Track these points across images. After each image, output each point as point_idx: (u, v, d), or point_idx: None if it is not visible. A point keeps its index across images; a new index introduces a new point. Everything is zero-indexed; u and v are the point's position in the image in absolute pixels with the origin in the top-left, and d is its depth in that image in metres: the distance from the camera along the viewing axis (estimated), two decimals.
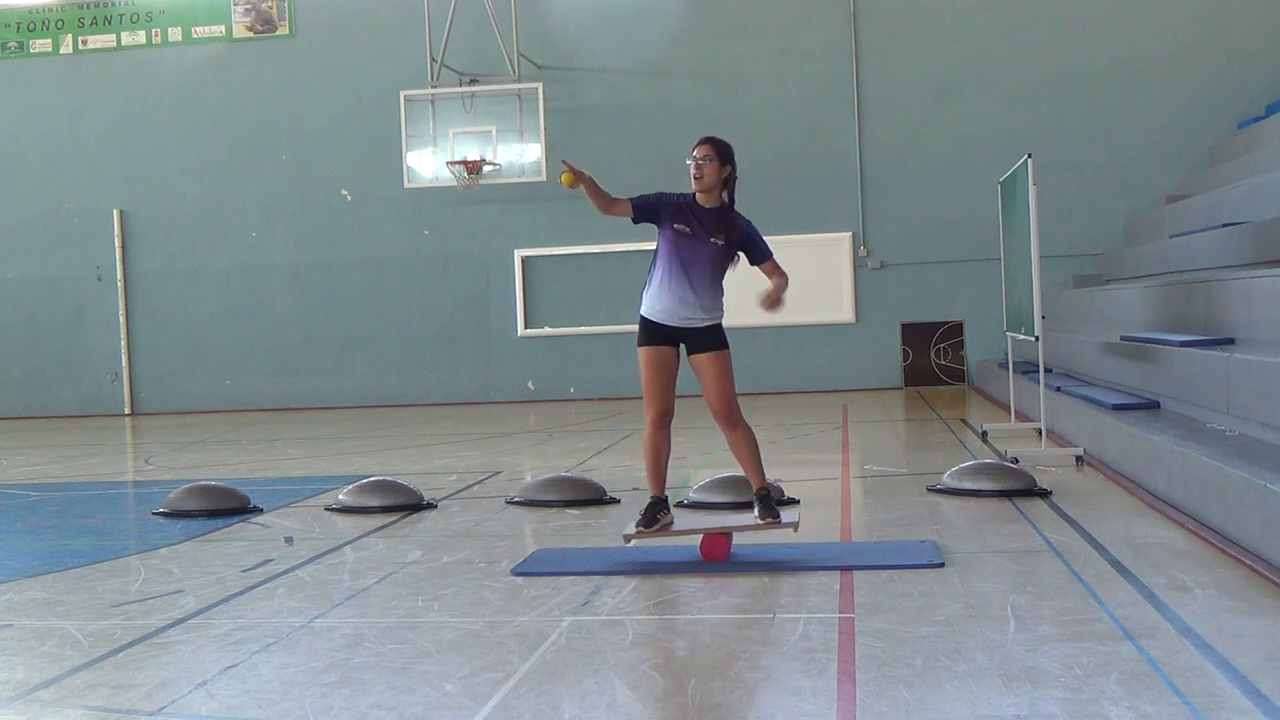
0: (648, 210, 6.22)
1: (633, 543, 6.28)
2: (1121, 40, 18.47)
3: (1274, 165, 12.74)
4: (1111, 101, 18.47)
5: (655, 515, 6.23)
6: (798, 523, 6.32)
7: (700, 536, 6.26)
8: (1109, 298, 13.33)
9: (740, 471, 8.32)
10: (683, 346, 6.29)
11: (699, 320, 6.18)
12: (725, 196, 6.23)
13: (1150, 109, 18.39)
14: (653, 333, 6.21)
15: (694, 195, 6.23)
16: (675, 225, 6.15)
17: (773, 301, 6.05)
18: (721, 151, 6.20)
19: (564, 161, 6.23)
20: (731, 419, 6.22)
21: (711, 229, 6.15)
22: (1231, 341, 8.40)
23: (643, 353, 6.22)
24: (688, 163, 6.22)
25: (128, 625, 5.34)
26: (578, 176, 6.06)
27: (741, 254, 6.29)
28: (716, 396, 6.21)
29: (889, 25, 19.03)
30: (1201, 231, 11.94)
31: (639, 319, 6.27)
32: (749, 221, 6.30)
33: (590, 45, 19.66)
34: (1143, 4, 18.47)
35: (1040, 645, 4.46)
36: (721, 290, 6.26)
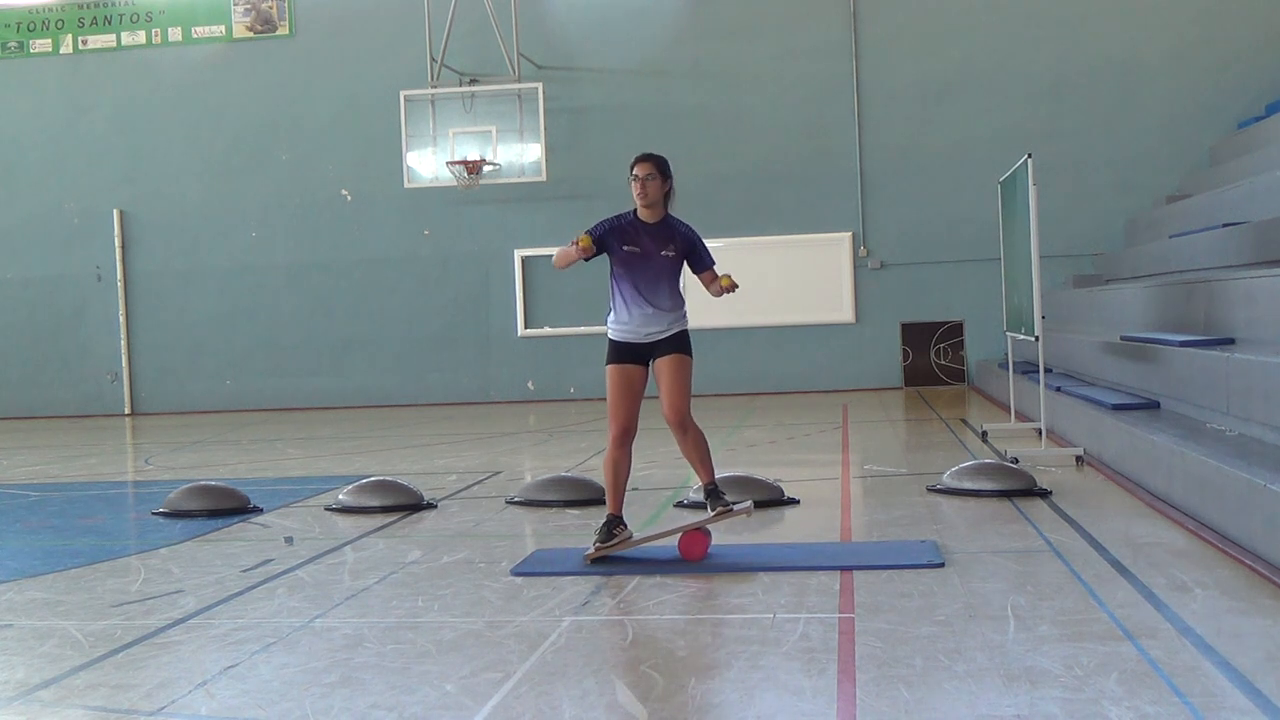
0: (599, 243, 6.33)
1: (590, 562, 6.24)
2: (1121, 40, 18.47)
3: (1274, 165, 12.74)
4: (1111, 101, 18.47)
5: (612, 532, 6.29)
6: (750, 506, 6.47)
7: (678, 538, 6.27)
8: (1109, 298, 13.33)
9: (737, 472, 8.36)
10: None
11: (664, 331, 6.32)
12: (665, 209, 6.37)
13: (1150, 109, 18.39)
14: (621, 352, 6.35)
15: (635, 213, 6.37)
16: (625, 248, 6.29)
17: (727, 286, 6.23)
18: (662, 168, 6.36)
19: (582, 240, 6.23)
20: (683, 425, 6.31)
21: (659, 243, 6.30)
22: (1231, 341, 8.40)
23: (610, 371, 6.34)
24: (631, 181, 6.32)
25: (128, 625, 5.34)
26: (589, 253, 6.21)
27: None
28: (669, 403, 6.30)
29: (889, 25, 19.03)
30: (1201, 231, 11.94)
31: (608, 341, 6.38)
32: (691, 228, 6.46)
33: (590, 45, 19.66)
34: (1143, 4, 18.47)
35: (1040, 645, 4.46)
36: (681, 297, 6.40)
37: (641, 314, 6.28)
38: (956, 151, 18.61)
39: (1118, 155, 18.40)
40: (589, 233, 6.31)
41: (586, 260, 6.31)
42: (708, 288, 6.44)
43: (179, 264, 20.96)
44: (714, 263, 6.45)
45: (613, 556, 6.29)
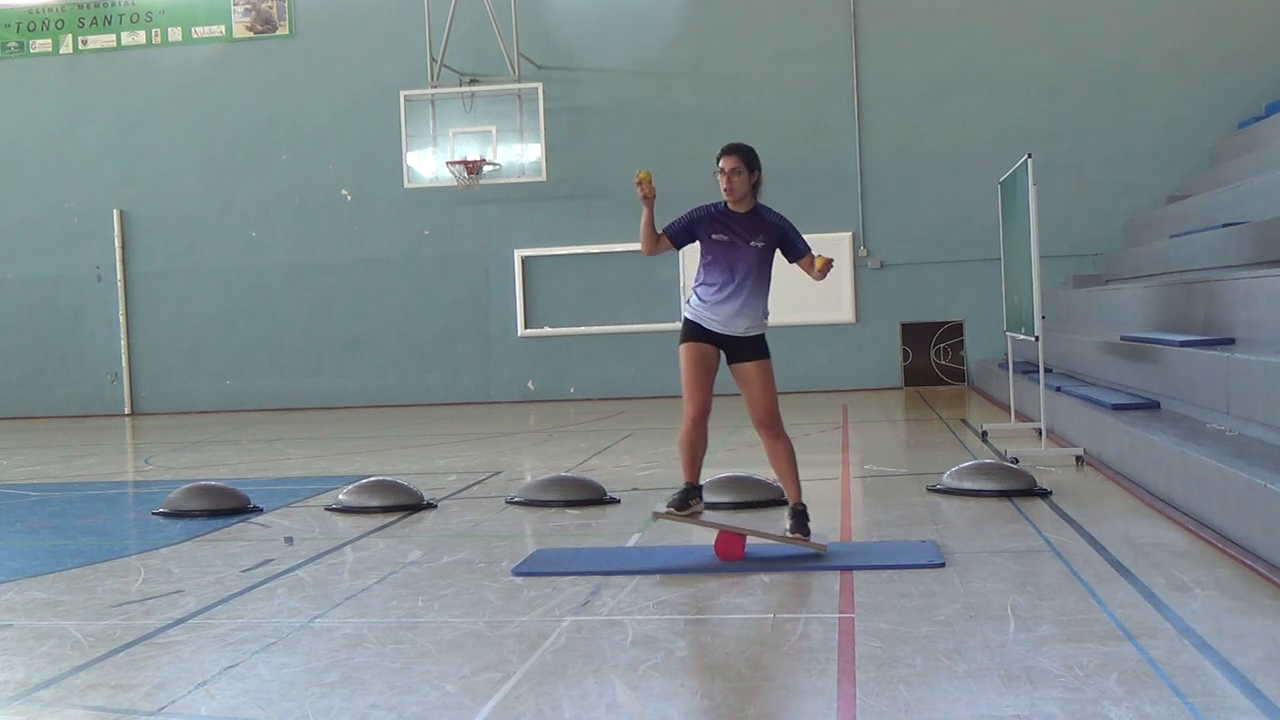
0: (684, 233, 6.27)
1: (658, 520, 6.24)
2: (1121, 40, 18.47)
3: (1274, 165, 12.74)
4: (1111, 101, 18.47)
5: (688, 500, 6.19)
6: (826, 546, 6.22)
7: (715, 536, 6.23)
8: (1109, 298, 13.33)
9: (742, 472, 8.35)
10: (724, 354, 6.29)
11: (744, 330, 6.20)
12: (754, 199, 6.25)
13: (1150, 109, 18.39)
14: (695, 332, 6.23)
15: (725, 203, 6.25)
16: (714, 236, 6.18)
17: (823, 269, 6.15)
18: (749, 160, 6.19)
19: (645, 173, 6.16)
20: (774, 429, 6.22)
21: (749, 233, 6.18)
22: (1231, 341, 8.40)
23: (684, 349, 6.22)
24: (716, 175, 6.19)
25: (128, 625, 5.34)
26: (650, 189, 6.09)
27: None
28: (760, 406, 6.21)
29: (889, 25, 19.03)
30: (1201, 231, 11.94)
31: (683, 320, 6.30)
32: (782, 216, 6.34)
33: (590, 45, 19.66)
34: (1143, 4, 18.47)
35: (1040, 645, 4.45)
36: (766, 298, 6.27)
37: (725, 304, 6.14)
38: (956, 151, 18.61)
39: (1118, 155, 18.40)
40: (668, 231, 6.24)
41: (656, 234, 6.17)
42: (808, 273, 6.29)
43: (179, 264, 20.96)
44: (809, 249, 6.28)
45: (615, 556, 6.29)
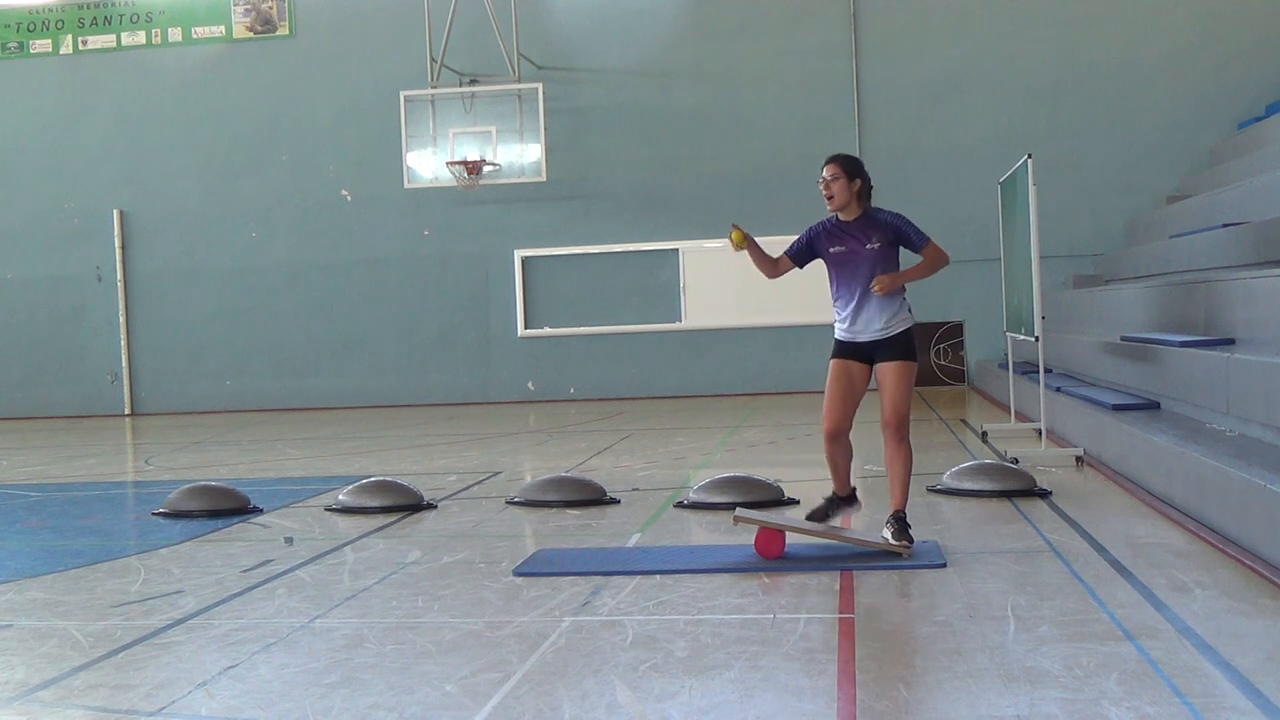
0: (805, 252, 6.42)
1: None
2: (1121, 40, 18.48)
3: (1274, 165, 12.74)
4: (1111, 101, 18.47)
5: (828, 512, 6.50)
6: (913, 551, 6.12)
7: (755, 534, 6.25)
8: (1109, 298, 13.33)
9: (741, 473, 8.35)
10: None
11: (887, 329, 6.25)
12: (863, 206, 6.32)
13: (1150, 109, 18.39)
14: (842, 348, 6.35)
15: (836, 216, 6.34)
16: (831, 250, 6.29)
17: (880, 285, 6.14)
18: (849, 168, 6.29)
19: (734, 225, 6.41)
20: (900, 433, 6.24)
21: (864, 238, 6.25)
22: (1231, 342, 8.40)
23: (833, 365, 6.35)
24: (818, 184, 6.31)
25: (128, 625, 5.34)
26: (746, 239, 6.30)
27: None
28: (891, 407, 6.23)
29: (889, 25, 19.04)
30: (1201, 231, 11.94)
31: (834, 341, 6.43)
32: (896, 214, 6.39)
33: (590, 45, 19.66)
34: (1143, 4, 18.47)
35: (1040, 645, 4.46)
36: (902, 293, 6.33)
37: (861, 314, 6.24)
38: (956, 151, 18.61)
39: (1118, 155, 18.40)
40: (788, 252, 6.43)
41: (740, 249, 6.37)
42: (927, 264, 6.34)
43: (179, 264, 20.96)
44: (927, 239, 6.30)
45: (615, 556, 6.28)
